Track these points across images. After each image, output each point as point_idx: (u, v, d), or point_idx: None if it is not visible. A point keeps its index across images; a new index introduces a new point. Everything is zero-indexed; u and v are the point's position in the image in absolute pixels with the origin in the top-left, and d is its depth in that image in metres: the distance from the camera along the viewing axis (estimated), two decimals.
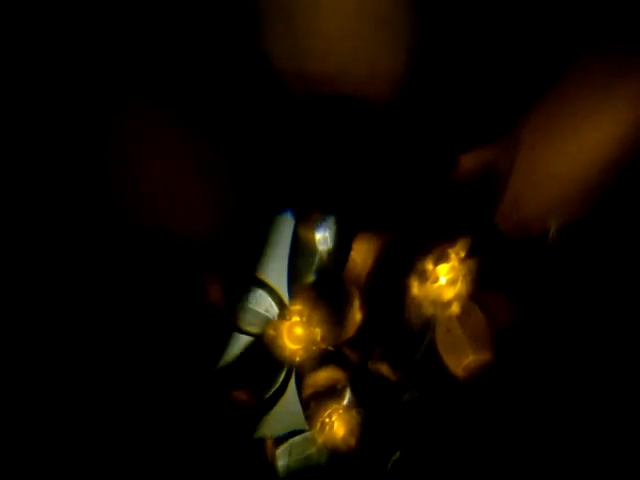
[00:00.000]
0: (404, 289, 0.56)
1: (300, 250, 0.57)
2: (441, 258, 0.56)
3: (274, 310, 0.58)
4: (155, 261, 0.57)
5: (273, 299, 0.58)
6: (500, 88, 0.55)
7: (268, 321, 0.58)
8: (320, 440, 0.58)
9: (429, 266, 0.56)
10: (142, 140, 0.55)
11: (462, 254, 0.56)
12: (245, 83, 0.56)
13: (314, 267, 0.57)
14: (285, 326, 0.57)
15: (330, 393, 0.58)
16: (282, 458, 0.58)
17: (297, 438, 0.59)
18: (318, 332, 0.57)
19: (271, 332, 0.57)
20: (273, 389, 0.58)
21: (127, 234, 0.56)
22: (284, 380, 0.58)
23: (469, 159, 0.54)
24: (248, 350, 0.58)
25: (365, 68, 0.56)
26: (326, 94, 0.56)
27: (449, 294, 0.56)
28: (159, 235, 0.57)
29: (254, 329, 0.58)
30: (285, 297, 0.59)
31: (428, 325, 0.56)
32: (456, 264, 0.56)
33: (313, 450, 0.59)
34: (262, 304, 0.57)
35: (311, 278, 0.57)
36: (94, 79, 0.52)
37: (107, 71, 0.52)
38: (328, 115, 0.57)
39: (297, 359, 0.58)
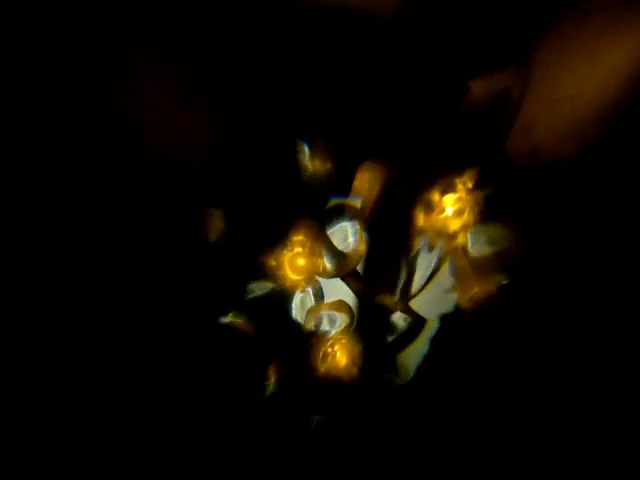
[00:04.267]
0: (409, 220, 0.55)
1: (303, 180, 0.55)
2: (448, 188, 0.54)
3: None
4: (152, 190, 0.56)
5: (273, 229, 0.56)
6: (514, 7, 0.52)
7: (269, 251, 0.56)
8: (322, 369, 0.58)
9: (435, 197, 0.55)
10: (136, 64, 0.53)
11: (470, 184, 0.54)
12: None
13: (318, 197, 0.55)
14: (287, 257, 0.56)
15: (333, 323, 0.58)
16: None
17: None
18: (320, 263, 0.56)
19: (272, 263, 0.56)
20: (275, 319, 0.58)
21: (122, 160, 0.55)
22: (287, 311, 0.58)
23: (480, 84, 0.51)
24: (248, 282, 0.57)
25: None
26: (329, 6, 0.53)
27: (455, 225, 0.55)
28: (156, 162, 0.55)
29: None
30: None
31: (433, 256, 0.55)
32: (463, 195, 0.54)
33: None
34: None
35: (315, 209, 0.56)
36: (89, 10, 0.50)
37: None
38: (331, 31, 0.54)
39: (299, 290, 0.57)
